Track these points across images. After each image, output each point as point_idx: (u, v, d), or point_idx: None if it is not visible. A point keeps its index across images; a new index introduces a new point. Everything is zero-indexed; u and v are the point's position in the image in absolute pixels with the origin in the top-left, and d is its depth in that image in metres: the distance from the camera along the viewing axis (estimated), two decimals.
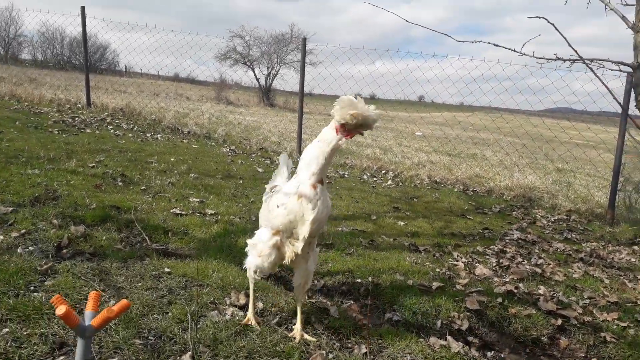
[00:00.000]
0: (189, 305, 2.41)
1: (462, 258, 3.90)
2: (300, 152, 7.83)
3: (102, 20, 14.68)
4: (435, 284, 3.15)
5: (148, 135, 8.20)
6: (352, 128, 2.00)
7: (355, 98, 1.98)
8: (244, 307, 2.53)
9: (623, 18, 2.66)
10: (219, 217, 4.04)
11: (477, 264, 3.80)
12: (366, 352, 2.28)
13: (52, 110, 9.24)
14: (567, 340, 2.79)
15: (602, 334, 2.84)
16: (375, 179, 7.44)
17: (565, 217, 6.22)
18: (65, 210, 3.48)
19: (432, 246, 4.14)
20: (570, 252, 4.53)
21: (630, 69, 2.72)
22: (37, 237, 2.94)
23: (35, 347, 1.91)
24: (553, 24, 2.74)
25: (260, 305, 2.59)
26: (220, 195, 4.81)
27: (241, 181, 5.66)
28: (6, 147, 5.22)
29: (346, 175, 7.35)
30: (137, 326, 2.16)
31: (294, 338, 2.30)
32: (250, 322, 2.35)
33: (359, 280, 3.11)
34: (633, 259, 4.53)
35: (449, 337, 2.53)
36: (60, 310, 1.34)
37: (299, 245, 2.17)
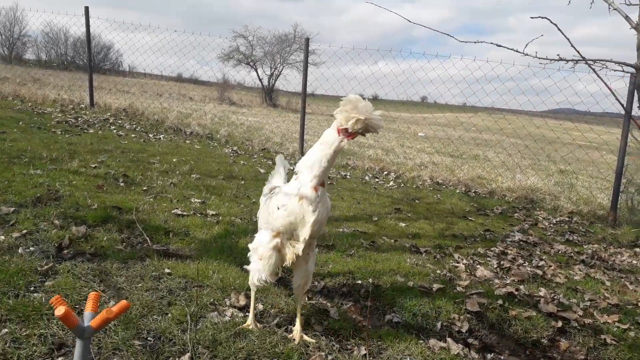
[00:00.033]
0: (189, 306, 2.42)
1: (463, 260, 3.90)
2: (302, 153, 7.82)
3: (106, 21, 14.83)
4: (435, 286, 3.15)
5: (150, 135, 8.22)
6: (354, 131, 1.99)
7: (362, 100, 1.93)
8: (243, 309, 2.53)
9: (626, 18, 2.64)
10: (220, 218, 4.05)
11: (478, 266, 3.79)
12: (365, 354, 2.28)
13: (56, 110, 9.28)
14: (568, 343, 2.78)
15: (603, 336, 2.83)
16: (377, 180, 7.43)
17: (567, 218, 6.20)
18: (67, 210, 3.49)
19: (433, 248, 4.14)
20: (572, 254, 4.52)
21: (633, 70, 2.70)
22: (38, 238, 2.95)
23: (34, 347, 1.92)
24: (556, 24, 2.73)
25: (260, 306, 2.59)
26: (221, 196, 4.82)
27: (243, 182, 5.67)
28: (9, 147, 5.25)
29: (348, 176, 7.34)
30: (137, 327, 2.17)
31: (294, 339, 2.30)
32: (250, 327, 2.34)
33: (359, 282, 3.11)
34: (635, 261, 4.51)
35: (448, 339, 2.53)
36: (60, 311, 1.34)
37: (299, 247, 2.18)
